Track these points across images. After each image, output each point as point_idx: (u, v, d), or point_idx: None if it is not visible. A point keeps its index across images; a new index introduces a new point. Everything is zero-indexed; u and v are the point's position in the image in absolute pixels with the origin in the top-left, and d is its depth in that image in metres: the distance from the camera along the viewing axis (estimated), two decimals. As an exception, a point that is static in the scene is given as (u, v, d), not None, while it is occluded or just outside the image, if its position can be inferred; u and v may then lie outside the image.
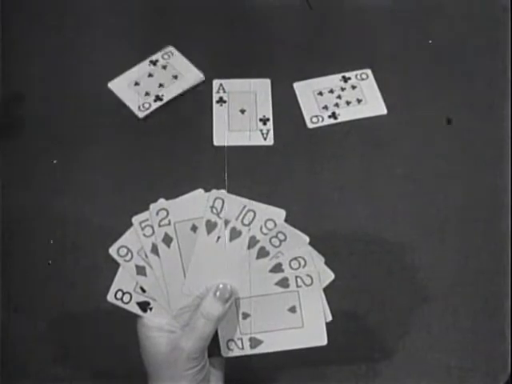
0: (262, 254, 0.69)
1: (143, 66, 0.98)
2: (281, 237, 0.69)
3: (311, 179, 0.92)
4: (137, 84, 0.97)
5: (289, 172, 0.92)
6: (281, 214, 0.69)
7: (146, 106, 0.95)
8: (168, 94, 0.96)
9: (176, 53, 0.98)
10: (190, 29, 1.02)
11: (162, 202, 0.69)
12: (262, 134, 0.94)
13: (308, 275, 0.69)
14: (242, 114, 0.95)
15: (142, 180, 0.91)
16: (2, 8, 0.99)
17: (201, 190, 0.70)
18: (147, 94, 0.96)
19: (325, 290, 0.69)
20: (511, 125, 0.94)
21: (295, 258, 0.69)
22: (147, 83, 0.97)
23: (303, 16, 1.03)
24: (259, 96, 0.96)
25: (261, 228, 0.69)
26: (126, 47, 1.01)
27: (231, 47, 1.01)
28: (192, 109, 0.96)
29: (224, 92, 0.96)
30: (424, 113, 0.97)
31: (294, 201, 0.88)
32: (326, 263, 0.69)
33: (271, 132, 0.94)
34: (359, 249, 0.88)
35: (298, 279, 0.69)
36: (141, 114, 0.95)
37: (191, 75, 0.98)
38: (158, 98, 0.96)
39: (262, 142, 0.93)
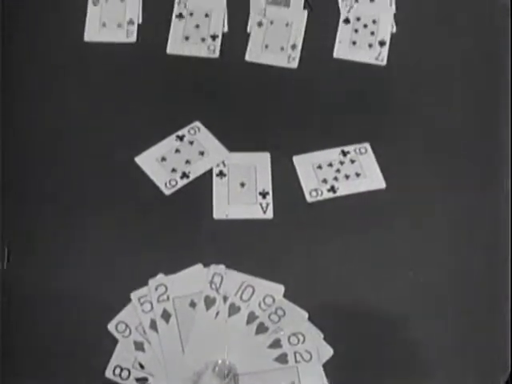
0: (261, 329, 0.69)
1: (170, 141, 0.99)
2: (280, 312, 0.69)
3: (311, 253, 0.92)
4: (163, 160, 0.97)
5: (288, 246, 0.92)
6: (280, 289, 0.70)
7: (173, 183, 0.96)
8: (195, 171, 0.97)
9: (202, 128, 0.99)
10: (188, 102, 1.03)
11: (160, 277, 0.70)
12: (262, 207, 0.94)
13: (307, 351, 0.69)
14: (241, 188, 0.96)
15: (141, 253, 0.91)
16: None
17: (200, 265, 0.70)
18: (174, 170, 0.97)
19: (324, 365, 0.69)
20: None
21: (294, 334, 0.69)
22: (174, 159, 0.98)
23: (301, 89, 1.04)
24: (259, 169, 0.97)
25: (260, 304, 0.69)
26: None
27: (230, 120, 1.02)
28: (192, 181, 0.97)
29: (224, 165, 0.97)
30: (422, 185, 0.97)
31: (293, 275, 0.87)
32: (325, 338, 0.69)
33: (271, 205, 0.95)
34: (359, 323, 0.88)
35: (297, 355, 0.69)
36: (167, 191, 0.95)
37: (217, 152, 0.98)
38: (184, 175, 0.96)
39: (261, 216, 0.94)
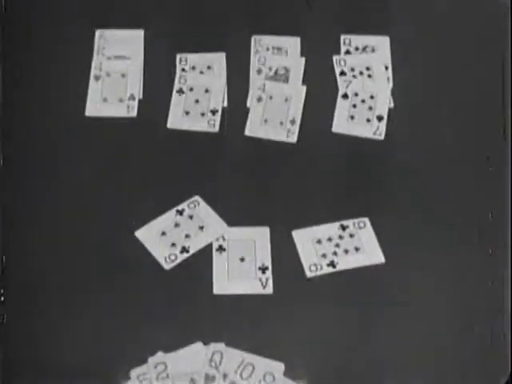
0: (261, 409, 0.68)
1: (170, 216, 0.99)
2: (280, 391, 0.68)
3: (311, 329, 0.92)
4: (163, 234, 0.98)
5: (288, 322, 0.92)
6: (280, 367, 0.69)
7: (173, 257, 0.96)
8: (194, 246, 0.97)
9: (202, 203, 1.00)
10: (188, 176, 1.04)
11: (160, 354, 0.69)
12: (261, 282, 0.94)
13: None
14: (241, 262, 0.96)
15: (140, 329, 0.91)
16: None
17: (200, 343, 0.70)
18: (173, 244, 0.97)
19: None
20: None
21: (295, 412, 0.68)
22: (174, 233, 0.98)
23: (300, 163, 1.05)
24: (258, 244, 0.97)
25: (260, 382, 0.68)
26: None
27: (229, 194, 1.02)
28: (192, 256, 0.97)
29: (223, 240, 0.97)
30: (422, 259, 0.97)
31: (293, 351, 0.86)
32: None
33: (270, 280, 0.94)
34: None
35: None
36: (167, 266, 0.95)
37: (217, 226, 0.98)
38: (184, 250, 0.97)
39: (261, 291, 0.94)
